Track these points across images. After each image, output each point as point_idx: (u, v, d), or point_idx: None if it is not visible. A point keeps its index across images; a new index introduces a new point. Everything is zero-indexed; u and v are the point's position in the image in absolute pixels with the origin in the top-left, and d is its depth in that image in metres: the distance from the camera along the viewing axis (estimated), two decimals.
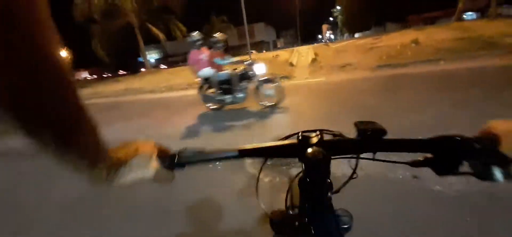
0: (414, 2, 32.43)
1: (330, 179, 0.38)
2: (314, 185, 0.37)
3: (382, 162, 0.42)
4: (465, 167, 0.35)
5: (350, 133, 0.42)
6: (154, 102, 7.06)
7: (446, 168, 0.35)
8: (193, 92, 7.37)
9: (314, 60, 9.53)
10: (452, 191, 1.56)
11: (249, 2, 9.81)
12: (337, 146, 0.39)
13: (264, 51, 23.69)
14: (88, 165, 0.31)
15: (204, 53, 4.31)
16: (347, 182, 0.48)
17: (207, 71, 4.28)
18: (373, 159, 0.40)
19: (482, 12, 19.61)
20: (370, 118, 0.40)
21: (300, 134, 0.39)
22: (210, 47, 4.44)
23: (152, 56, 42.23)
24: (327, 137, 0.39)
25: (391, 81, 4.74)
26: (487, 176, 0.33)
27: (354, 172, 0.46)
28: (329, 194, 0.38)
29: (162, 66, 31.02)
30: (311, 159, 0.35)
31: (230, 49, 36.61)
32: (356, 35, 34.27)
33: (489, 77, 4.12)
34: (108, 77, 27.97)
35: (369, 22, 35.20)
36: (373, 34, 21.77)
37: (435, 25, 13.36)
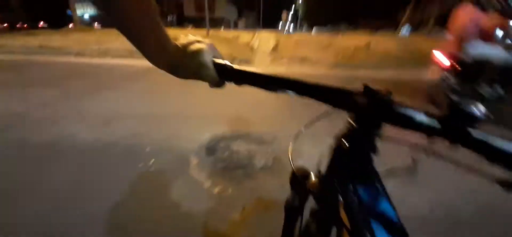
0: (363, 9, 36.59)
1: (377, 147, 0.32)
2: (356, 142, 0.31)
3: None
4: None
5: None
6: (78, 69, 5.57)
7: None
8: (135, 62, 6.20)
9: (275, 48, 9.27)
10: (415, 214, 1.43)
11: None
12: (402, 111, 0.28)
13: (223, 28, 22.21)
14: (156, 60, 0.38)
15: (480, 16, 2.61)
16: (398, 174, 0.36)
17: (488, 48, 2.55)
18: (443, 158, 0.29)
19: (416, 28, 23.31)
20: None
21: (363, 85, 0.30)
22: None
23: (86, 11, 35.32)
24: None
25: (347, 81, 4.84)
26: None
27: (415, 165, 0.34)
28: (372, 163, 0.33)
29: (97, 25, 26.14)
30: (362, 105, 0.28)
31: (185, 20, 33.49)
32: (314, 29, 36.43)
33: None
34: (22, 28, 21.99)
35: (326, 19, 38.20)
36: (329, 31, 23.20)
37: (382, 33, 14.86)
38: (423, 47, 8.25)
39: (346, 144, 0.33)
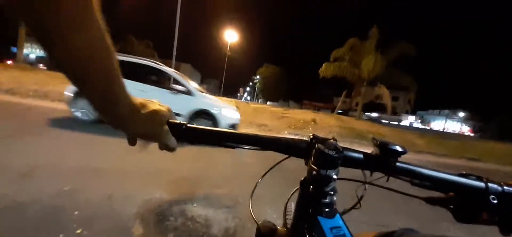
0: (308, 92, 50.64)
1: (336, 188, 0.34)
2: (320, 184, 0.33)
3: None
4: (488, 215, 0.32)
5: None
6: (4, 107, 4.64)
7: (468, 214, 0.32)
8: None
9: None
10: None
11: (179, 39, 9.41)
12: (349, 154, 0.34)
13: None
14: (103, 109, 0.33)
15: None
16: (348, 210, 0.42)
17: None
18: (382, 187, 0.37)
19: (346, 113, 28.67)
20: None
21: (311, 134, 0.36)
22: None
23: (34, 51, 33.45)
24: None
25: None
26: None
27: (359, 200, 0.40)
28: (334, 203, 0.35)
29: (42, 66, 24.10)
30: (322, 151, 0.32)
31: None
32: (268, 102, 41.16)
33: None
34: None
35: (279, 96, 45.97)
36: (280, 106, 26.50)
37: (322, 112, 17.51)
38: (356, 126, 9.99)
39: (311, 187, 0.34)
